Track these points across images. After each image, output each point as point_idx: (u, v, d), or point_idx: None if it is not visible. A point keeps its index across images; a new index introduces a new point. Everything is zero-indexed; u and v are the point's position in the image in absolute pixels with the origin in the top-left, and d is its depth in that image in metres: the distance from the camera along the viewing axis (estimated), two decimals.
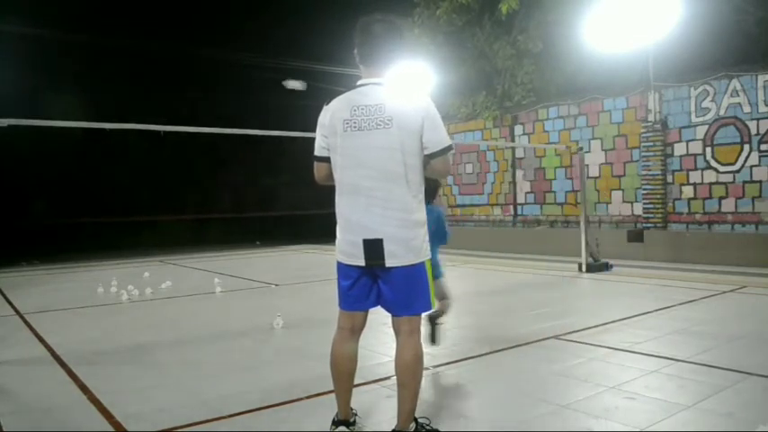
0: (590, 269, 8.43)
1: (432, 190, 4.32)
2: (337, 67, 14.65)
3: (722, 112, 9.39)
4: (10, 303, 7.18)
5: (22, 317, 6.28)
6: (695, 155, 9.75)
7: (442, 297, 4.35)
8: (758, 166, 9.02)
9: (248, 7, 16.33)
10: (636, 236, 10.21)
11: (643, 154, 10.34)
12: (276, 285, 8.22)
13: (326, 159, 2.70)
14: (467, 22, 13.04)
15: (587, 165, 10.84)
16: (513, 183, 12.89)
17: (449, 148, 2.60)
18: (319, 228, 13.66)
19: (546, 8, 11.60)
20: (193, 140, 12.90)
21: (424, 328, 3.88)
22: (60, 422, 3.15)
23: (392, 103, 2.54)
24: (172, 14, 15.04)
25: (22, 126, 4.63)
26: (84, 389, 3.67)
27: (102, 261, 12.09)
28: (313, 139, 2.77)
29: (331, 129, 2.63)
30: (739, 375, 3.53)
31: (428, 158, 2.60)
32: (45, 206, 14.44)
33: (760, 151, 9.00)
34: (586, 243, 8.50)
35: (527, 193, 12.64)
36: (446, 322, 4.31)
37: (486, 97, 13.05)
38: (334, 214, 2.69)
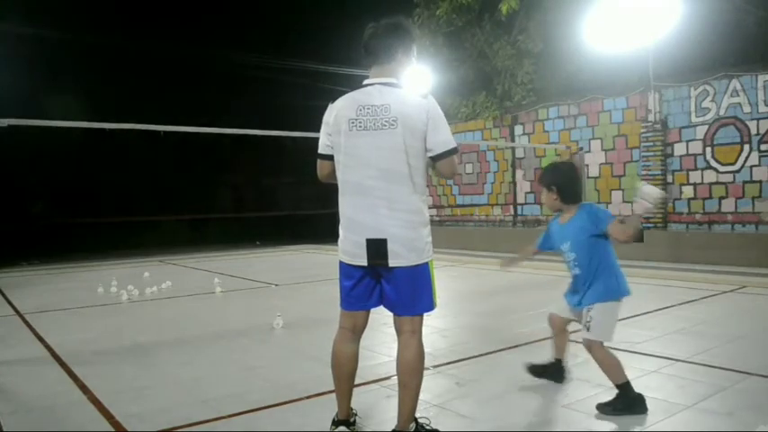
0: None
1: (570, 186, 3.26)
2: (340, 67, 14.66)
3: (722, 112, 9.39)
4: (10, 303, 7.18)
5: (22, 317, 6.28)
6: (695, 155, 9.75)
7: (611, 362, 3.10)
8: (758, 166, 9.02)
9: (249, 7, 16.33)
10: (636, 236, 10.20)
11: (643, 154, 10.34)
12: (276, 285, 8.21)
13: (330, 157, 2.70)
14: (467, 22, 13.04)
15: (587, 165, 10.84)
16: (513, 183, 12.88)
17: (453, 150, 2.60)
18: (320, 228, 13.68)
19: (546, 8, 11.60)
20: (193, 140, 12.89)
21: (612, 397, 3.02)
22: (60, 422, 3.15)
23: (398, 104, 2.54)
24: (173, 14, 15.05)
25: (22, 126, 4.63)
26: (84, 389, 3.67)
27: (102, 261, 12.09)
28: (314, 139, 2.78)
29: (335, 128, 2.63)
30: (739, 375, 3.53)
31: (432, 161, 2.60)
32: (45, 206, 14.45)
33: (760, 151, 9.00)
34: None
35: (527, 193, 12.63)
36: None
37: (486, 97, 13.05)
38: (334, 214, 2.69)
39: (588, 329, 3.09)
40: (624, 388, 3.03)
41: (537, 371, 3.58)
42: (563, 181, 3.26)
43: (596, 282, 3.14)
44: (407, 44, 2.68)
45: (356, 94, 2.64)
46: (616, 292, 3.13)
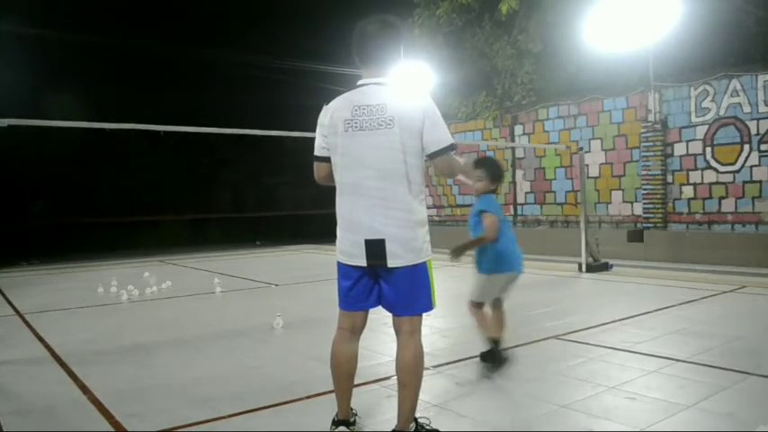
0: (590, 269, 8.42)
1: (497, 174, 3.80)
2: (338, 67, 14.66)
3: (722, 112, 9.39)
4: (10, 303, 7.18)
5: (22, 317, 6.28)
6: (695, 155, 9.75)
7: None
8: (758, 166, 9.01)
9: (249, 7, 16.33)
10: (636, 236, 10.21)
11: (643, 154, 10.34)
12: (276, 285, 8.22)
13: (326, 159, 2.69)
14: (467, 22, 13.04)
15: (587, 165, 10.84)
16: (513, 183, 12.88)
17: (450, 147, 2.59)
18: (319, 228, 13.67)
19: (546, 8, 11.59)
20: (193, 140, 12.91)
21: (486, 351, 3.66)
22: (60, 422, 3.15)
23: (394, 103, 2.54)
24: (172, 14, 15.05)
25: (22, 126, 4.63)
26: (84, 389, 3.67)
27: (102, 261, 12.09)
28: (313, 139, 2.77)
29: (331, 128, 2.62)
30: (739, 375, 3.53)
31: (429, 158, 2.60)
32: (45, 206, 14.45)
33: (760, 151, 9.00)
34: (586, 243, 8.50)
35: (527, 193, 12.63)
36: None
37: (486, 97, 13.05)
38: (334, 214, 2.69)
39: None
40: (495, 343, 3.71)
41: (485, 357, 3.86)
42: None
43: (483, 257, 3.75)
44: (397, 42, 2.67)
45: (351, 94, 2.63)
46: (498, 268, 3.72)
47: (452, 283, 8.17)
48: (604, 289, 7.35)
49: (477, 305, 3.78)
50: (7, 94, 10.19)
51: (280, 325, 5.28)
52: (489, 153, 13.42)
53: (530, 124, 12.49)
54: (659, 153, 10.09)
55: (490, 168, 3.77)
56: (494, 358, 3.70)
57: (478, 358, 3.80)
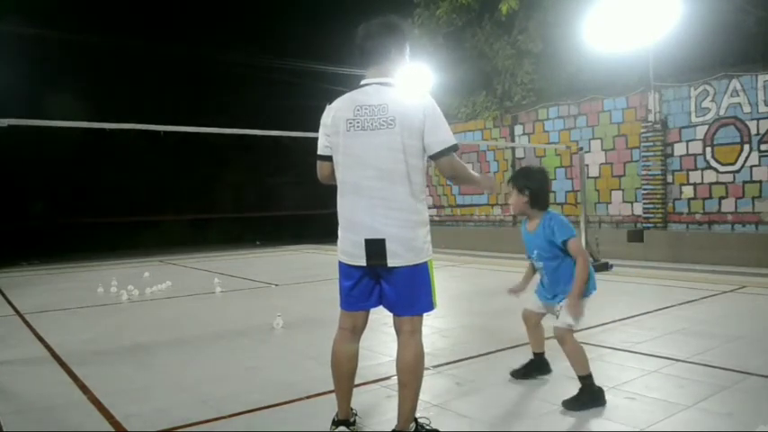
0: None
1: (542, 193, 3.30)
2: (340, 67, 14.66)
3: (722, 112, 9.38)
4: (10, 303, 7.18)
5: (22, 317, 6.28)
6: (695, 155, 9.75)
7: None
8: (758, 166, 9.01)
9: (248, 7, 16.33)
10: (636, 236, 10.20)
11: (643, 154, 10.34)
12: (276, 285, 8.22)
13: (329, 158, 2.70)
14: (467, 22, 13.04)
15: (587, 165, 10.84)
16: None
17: (452, 148, 2.57)
18: (320, 228, 13.68)
19: (546, 8, 11.59)
20: (193, 140, 12.91)
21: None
22: (60, 422, 3.15)
23: (395, 103, 2.54)
24: (173, 15, 15.05)
25: (23, 126, 4.63)
26: (84, 389, 3.67)
27: (102, 261, 12.09)
28: (314, 140, 2.78)
29: (333, 128, 2.63)
30: (739, 375, 3.53)
31: (432, 160, 2.59)
32: (45, 206, 14.45)
33: (760, 151, 9.00)
34: (586, 243, 8.50)
35: None
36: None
37: (486, 97, 13.05)
38: (334, 214, 2.69)
39: (558, 317, 3.23)
40: (588, 380, 3.13)
41: (521, 373, 3.60)
42: (537, 186, 3.30)
43: (568, 284, 3.24)
44: (401, 42, 2.68)
45: (353, 94, 2.64)
46: (586, 290, 3.27)
47: (453, 282, 8.18)
48: (604, 289, 7.30)
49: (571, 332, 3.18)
50: (7, 94, 10.19)
51: (280, 325, 5.28)
52: (489, 153, 13.44)
53: (530, 124, 12.48)
54: (659, 153, 10.09)
55: (523, 180, 3.26)
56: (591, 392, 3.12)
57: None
